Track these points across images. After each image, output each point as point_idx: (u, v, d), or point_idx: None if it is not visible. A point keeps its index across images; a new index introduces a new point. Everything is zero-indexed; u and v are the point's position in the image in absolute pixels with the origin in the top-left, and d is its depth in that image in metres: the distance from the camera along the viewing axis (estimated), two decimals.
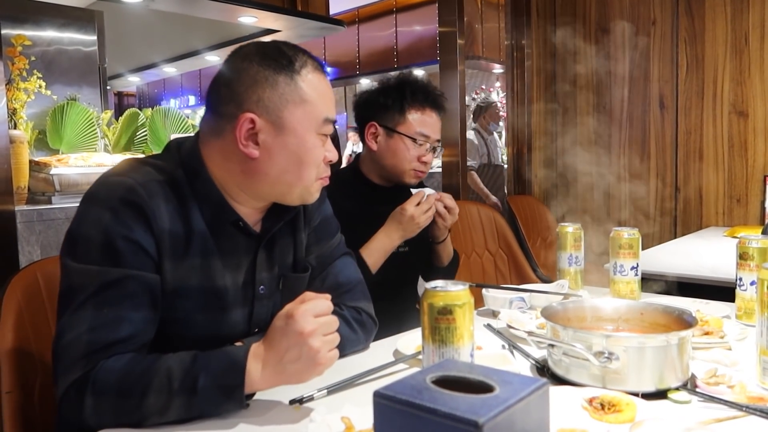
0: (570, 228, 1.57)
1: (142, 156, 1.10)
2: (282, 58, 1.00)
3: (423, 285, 1.21)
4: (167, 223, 0.96)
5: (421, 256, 1.82)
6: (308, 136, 1.01)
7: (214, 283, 1.02)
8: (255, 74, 0.99)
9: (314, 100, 1.01)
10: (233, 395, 0.87)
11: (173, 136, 2.75)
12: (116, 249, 0.92)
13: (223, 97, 1.01)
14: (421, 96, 1.65)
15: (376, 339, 1.28)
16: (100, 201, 0.94)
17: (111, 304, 0.91)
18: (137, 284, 0.93)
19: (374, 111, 1.68)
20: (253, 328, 1.09)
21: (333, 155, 1.07)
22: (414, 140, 1.63)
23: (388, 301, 1.70)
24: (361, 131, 1.71)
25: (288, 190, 1.04)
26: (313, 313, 0.88)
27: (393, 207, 1.65)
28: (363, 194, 1.71)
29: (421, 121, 1.64)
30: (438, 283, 0.86)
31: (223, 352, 0.91)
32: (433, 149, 1.68)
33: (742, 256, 1.28)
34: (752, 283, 1.26)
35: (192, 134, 1.09)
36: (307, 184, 1.04)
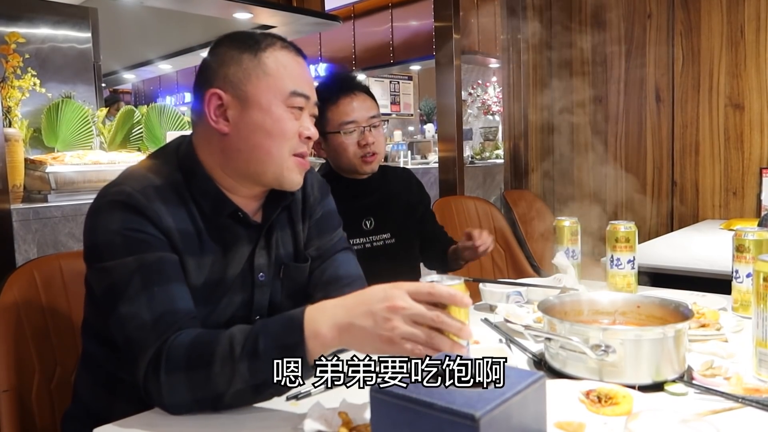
0: (567, 222, 1.57)
1: (142, 159, 1.10)
2: (249, 39, 1.06)
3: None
4: (172, 223, 0.99)
5: (409, 248, 1.82)
6: (274, 108, 1.03)
7: (218, 275, 1.05)
8: (223, 55, 1.05)
9: (278, 74, 1.04)
10: (295, 354, 0.81)
11: (169, 134, 2.75)
12: (138, 240, 0.96)
13: (199, 81, 1.07)
14: (327, 92, 1.66)
15: None
16: (104, 210, 0.98)
17: (158, 283, 0.94)
18: (171, 264, 0.98)
19: None
20: (254, 315, 1.11)
21: (311, 132, 1.07)
22: (341, 132, 1.65)
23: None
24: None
25: (262, 168, 1.04)
26: (414, 296, 0.78)
27: (374, 196, 1.69)
28: (344, 194, 1.71)
29: (339, 112, 1.65)
30: (434, 277, 0.85)
31: (282, 315, 0.88)
32: (373, 127, 1.67)
33: (739, 249, 1.29)
34: (748, 275, 1.27)
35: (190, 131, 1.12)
36: (280, 160, 1.04)
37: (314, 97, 1.10)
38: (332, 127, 1.66)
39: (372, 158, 1.68)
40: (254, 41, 1.05)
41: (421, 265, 1.98)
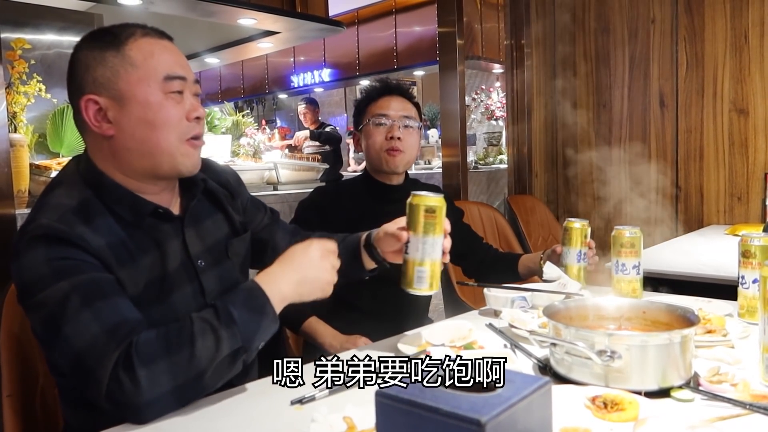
0: (577, 224, 1.55)
1: (45, 189, 1.06)
2: (107, 36, 1.03)
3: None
4: (100, 240, 0.97)
5: None
6: (151, 98, 1.01)
7: (157, 274, 1.04)
8: (86, 59, 1.02)
9: (146, 63, 1.01)
10: (266, 311, 0.97)
11: None
12: (66, 266, 0.93)
13: (71, 92, 1.04)
14: (373, 92, 1.79)
15: (377, 338, 1.27)
16: (25, 249, 0.94)
17: (100, 299, 0.92)
18: (108, 282, 0.95)
19: (354, 123, 1.84)
20: (209, 300, 1.10)
21: (199, 111, 1.05)
22: (371, 123, 1.74)
23: (393, 298, 1.70)
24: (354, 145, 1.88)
25: (156, 161, 1.03)
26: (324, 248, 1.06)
27: (401, 203, 1.68)
28: (375, 195, 1.76)
29: (376, 107, 1.75)
30: (422, 191, 1.12)
31: (235, 290, 0.99)
32: (404, 126, 1.74)
33: (745, 254, 1.28)
34: (754, 281, 1.26)
35: None
36: (171, 149, 1.03)
37: (191, 76, 1.07)
38: (365, 119, 1.76)
39: (395, 153, 1.71)
40: (113, 36, 1.02)
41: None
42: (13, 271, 0.96)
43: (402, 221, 1.18)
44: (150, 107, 1.01)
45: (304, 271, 1.02)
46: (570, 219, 1.57)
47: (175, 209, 1.12)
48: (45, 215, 0.96)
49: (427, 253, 1.11)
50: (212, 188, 1.19)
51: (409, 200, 1.13)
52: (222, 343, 0.91)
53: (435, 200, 1.11)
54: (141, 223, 1.04)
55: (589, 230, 1.56)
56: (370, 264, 1.27)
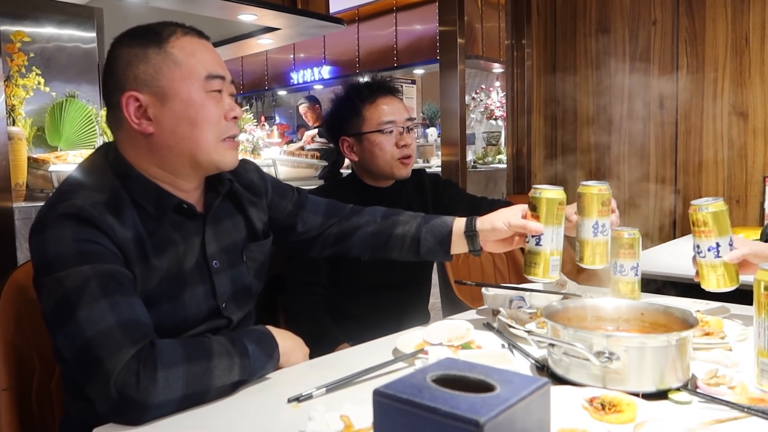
0: (594, 188, 1.23)
1: (73, 171, 1.06)
2: (149, 33, 1.04)
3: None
4: (125, 232, 0.98)
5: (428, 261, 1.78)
6: (194, 95, 1.02)
7: (174, 271, 1.04)
8: (126, 56, 1.03)
9: (188, 61, 1.03)
10: (273, 356, 1.03)
11: None
12: (92, 250, 0.93)
13: (109, 88, 1.04)
14: (366, 91, 1.68)
15: (375, 337, 1.27)
16: (53, 224, 0.94)
17: (119, 293, 0.92)
18: (128, 279, 0.96)
19: (338, 127, 1.70)
20: (221, 303, 1.12)
21: (237, 111, 1.08)
22: (381, 132, 1.64)
23: (393, 300, 1.69)
24: (341, 149, 1.73)
25: (194, 158, 1.05)
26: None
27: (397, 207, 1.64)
28: (364, 200, 1.70)
29: (378, 112, 1.65)
30: (544, 186, 1.18)
31: (247, 330, 1.07)
32: (409, 129, 1.68)
33: (695, 224, 1.26)
34: (710, 249, 1.25)
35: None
36: (209, 148, 1.04)
37: (229, 76, 1.09)
38: (370, 126, 1.64)
39: (408, 161, 1.67)
40: (154, 34, 1.04)
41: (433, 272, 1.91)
42: (34, 244, 0.95)
43: (517, 212, 1.21)
44: (192, 105, 1.02)
45: (297, 344, 1.12)
46: (584, 183, 1.25)
47: (199, 207, 1.12)
48: (78, 198, 0.96)
49: (560, 243, 1.19)
50: (236, 190, 1.19)
51: (541, 195, 1.17)
52: (234, 369, 0.94)
53: (562, 193, 1.19)
54: (164, 217, 1.04)
55: (609, 194, 1.25)
56: (461, 249, 1.27)
